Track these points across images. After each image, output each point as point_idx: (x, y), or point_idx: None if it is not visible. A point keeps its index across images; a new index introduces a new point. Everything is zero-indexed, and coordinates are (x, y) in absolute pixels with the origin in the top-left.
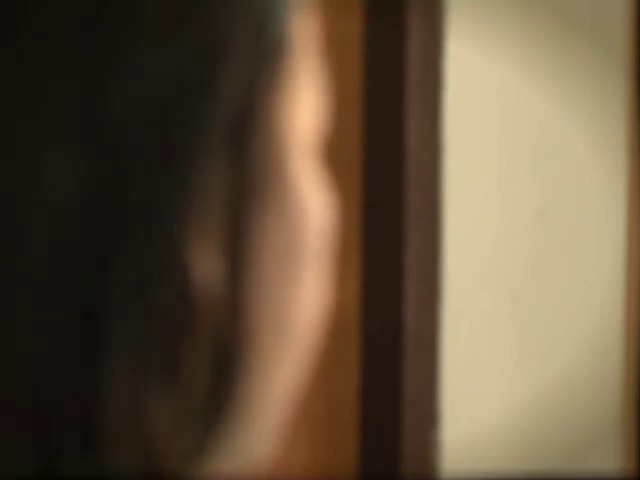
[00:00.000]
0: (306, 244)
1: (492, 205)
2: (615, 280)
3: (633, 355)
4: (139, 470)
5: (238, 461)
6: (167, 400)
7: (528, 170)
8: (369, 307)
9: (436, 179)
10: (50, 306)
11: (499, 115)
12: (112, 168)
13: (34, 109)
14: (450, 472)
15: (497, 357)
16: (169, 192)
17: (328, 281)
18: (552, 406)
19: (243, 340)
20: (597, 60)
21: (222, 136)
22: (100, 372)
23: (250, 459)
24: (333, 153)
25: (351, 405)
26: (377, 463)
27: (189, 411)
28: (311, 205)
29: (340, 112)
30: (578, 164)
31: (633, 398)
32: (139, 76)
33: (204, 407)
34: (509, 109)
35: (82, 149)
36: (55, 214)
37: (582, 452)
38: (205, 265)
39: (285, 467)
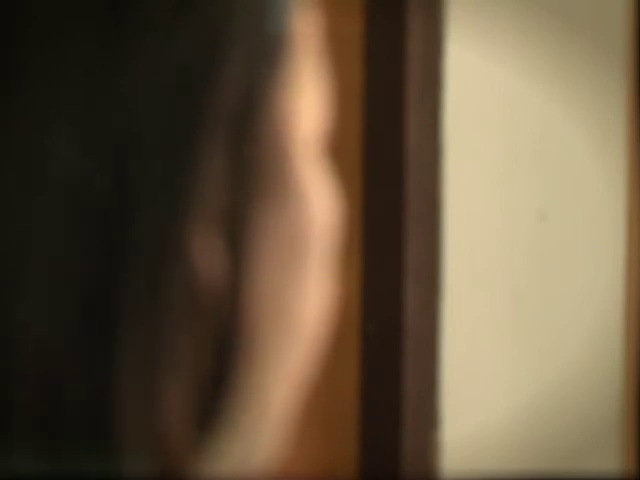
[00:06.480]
0: (309, 238)
1: (492, 205)
2: (615, 280)
3: (633, 355)
4: (150, 468)
5: (244, 461)
6: (177, 395)
7: (528, 171)
8: (369, 307)
9: (436, 179)
10: (58, 301)
11: (499, 115)
12: (117, 163)
13: (41, 102)
14: (450, 472)
15: (497, 357)
16: (173, 185)
17: (332, 278)
18: (552, 406)
19: (244, 332)
20: (597, 60)
21: (225, 130)
22: (111, 370)
23: (256, 459)
24: (333, 153)
25: (351, 405)
26: (377, 463)
27: (194, 405)
28: (314, 200)
29: (340, 112)
30: (578, 164)
31: (633, 398)
32: (142, 73)
33: (206, 401)
34: (509, 109)
35: (88, 143)
36: (61, 208)
37: (582, 452)
38: (209, 257)
39: (285, 467)
